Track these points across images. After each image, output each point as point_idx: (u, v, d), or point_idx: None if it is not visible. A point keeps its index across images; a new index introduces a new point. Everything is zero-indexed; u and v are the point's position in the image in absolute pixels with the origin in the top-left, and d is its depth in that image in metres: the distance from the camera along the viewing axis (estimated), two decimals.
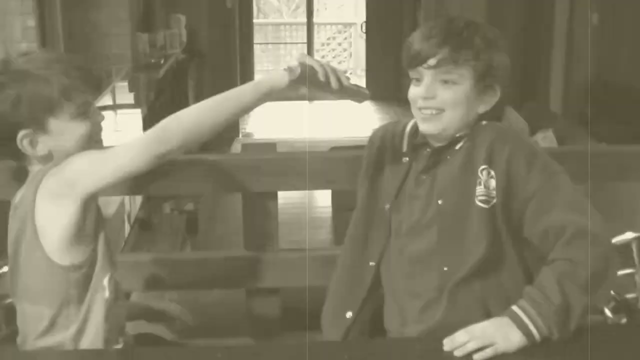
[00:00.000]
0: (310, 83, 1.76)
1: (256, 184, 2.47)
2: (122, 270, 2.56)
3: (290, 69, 1.75)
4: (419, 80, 1.91)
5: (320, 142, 7.57)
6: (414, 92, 1.92)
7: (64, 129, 1.80)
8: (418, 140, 2.01)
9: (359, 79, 11.79)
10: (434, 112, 1.90)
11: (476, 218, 1.89)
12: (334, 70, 1.79)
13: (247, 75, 10.37)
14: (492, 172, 1.88)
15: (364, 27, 11.26)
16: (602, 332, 2.01)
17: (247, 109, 1.83)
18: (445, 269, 1.91)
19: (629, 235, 2.48)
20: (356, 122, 9.88)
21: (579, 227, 1.77)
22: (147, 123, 6.01)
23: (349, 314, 2.04)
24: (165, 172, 2.40)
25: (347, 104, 7.70)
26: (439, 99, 1.89)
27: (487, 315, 1.86)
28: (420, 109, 1.91)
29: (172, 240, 5.34)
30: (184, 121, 1.78)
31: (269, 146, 2.60)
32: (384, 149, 2.07)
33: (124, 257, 2.95)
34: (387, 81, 10.43)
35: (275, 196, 2.54)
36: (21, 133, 1.78)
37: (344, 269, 2.10)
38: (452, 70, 1.88)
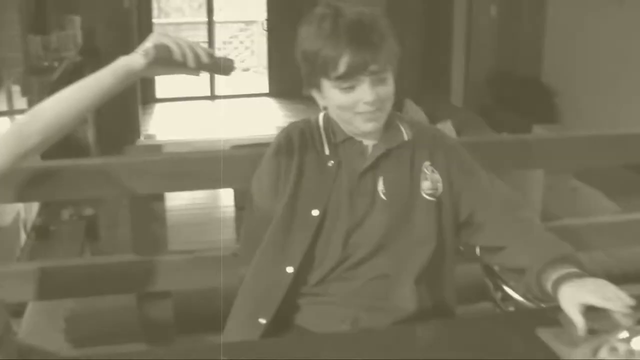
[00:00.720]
0: (167, 62, 1.73)
1: (142, 186, 2.43)
2: (14, 280, 2.52)
3: (145, 51, 1.71)
4: (352, 87, 1.89)
5: (221, 142, 7.51)
6: (348, 98, 1.90)
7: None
8: (339, 139, 2.01)
9: (262, 77, 11.77)
10: (376, 112, 1.93)
11: (424, 211, 1.99)
12: (191, 47, 1.75)
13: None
14: (435, 168, 2.02)
15: (265, 25, 11.22)
16: (493, 320, 2.08)
17: (107, 95, 1.78)
18: (394, 260, 1.97)
19: None
20: (259, 119, 9.87)
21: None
22: None
23: (262, 321, 1.98)
24: (54, 177, 2.36)
25: (250, 102, 7.65)
26: (380, 98, 1.91)
27: (440, 303, 2.02)
28: (361, 112, 1.92)
29: (71, 248, 5.23)
30: (43, 114, 1.73)
31: (155, 148, 2.56)
32: (303, 153, 2.03)
33: (13, 266, 2.88)
34: (289, 78, 10.41)
35: (162, 198, 2.50)
36: None
37: (258, 274, 2.03)
38: (385, 69, 1.91)
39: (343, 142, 2.01)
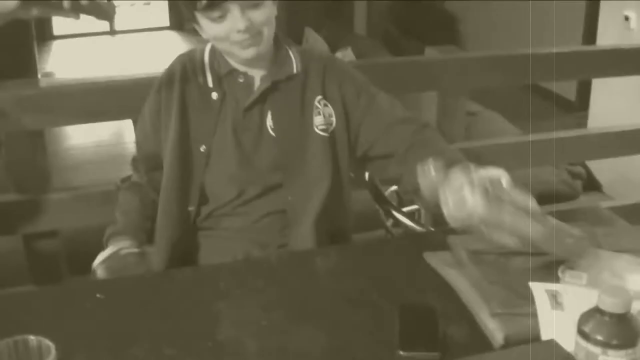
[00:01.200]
0: (42, 3, 1.64)
1: (18, 123, 2.32)
2: None
3: None
4: (222, 16, 1.76)
5: (121, 78, 7.35)
6: (221, 28, 1.78)
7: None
8: (223, 70, 1.90)
9: (162, 11, 11.52)
10: (254, 37, 1.80)
11: (318, 147, 1.90)
12: None
13: None
14: (327, 102, 1.91)
15: None
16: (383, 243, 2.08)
17: None
18: (290, 198, 1.91)
19: None
20: (161, 54, 9.67)
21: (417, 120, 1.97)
22: None
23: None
24: None
25: (151, 36, 7.44)
26: (255, 24, 1.78)
27: (338, 237, 1.98)
28: (237, 41, 1.79)
29: None
30: None
31: (31, 83, 2.45)
32: (184, 86, 1.91)
33: None
34: None
35: (42, 134, 2.40)
36: None
37: (163, 215, 1.96)
38: None
39: (227, 75, 1.90)
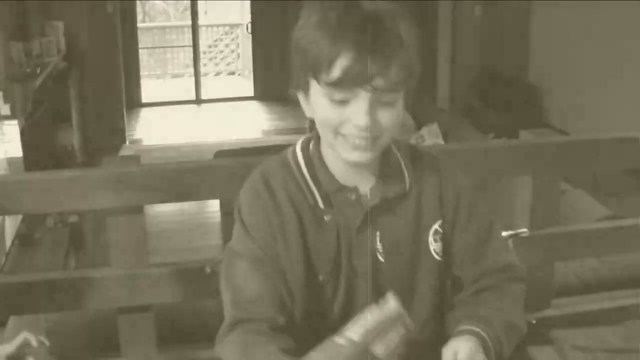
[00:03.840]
0: None
1: (119, 199, 2.37)
2: None
3: None
4: (346, 101, 1.49)
5: (206, 146, 7.48)
6: (338, 114, 1.51)
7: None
8: (331, 188, 1.64)
9: (247, 80, 11.70)
10: (370, 140, 1.53)
11: (430, 270, 1.68)
12: None
13: (132, 80, 10.17)
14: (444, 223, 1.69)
15: (249, 28, 11.16)
16: None
17: None
18: None
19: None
20: (245, 123, 9.82)
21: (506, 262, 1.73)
22: (26, 134, 5.83)
23: None
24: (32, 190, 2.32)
25: (236, 106, 7.56)
26: (379, 125, 1.51)
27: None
28: (351, 136, 1.52)
29: (55, 256, 5.18)
30: None
31: (132, 159, 2.50)
32: (297, 209, 1.64)
33: None
34: (273, 81, 10.41)
35: (141, 210, 2.44)
36: None
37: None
38: (394, 87, 1.50)
39: (337, 191, 1.64)
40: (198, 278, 2.42)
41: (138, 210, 2.44)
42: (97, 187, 2.35)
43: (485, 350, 1.52)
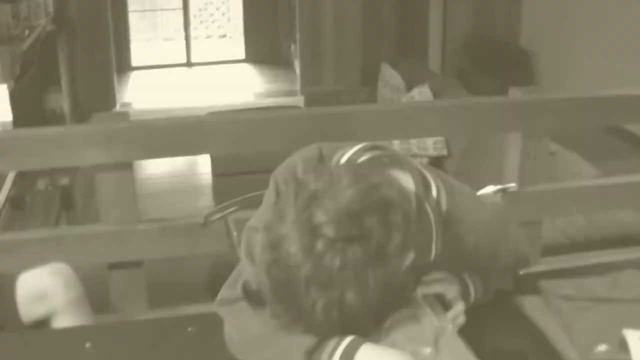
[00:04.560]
0: None
1: (108, 155, 2.37)
2: None
3: None
4: None
5: (198, 109, 7.46)
6: None
7: None
8: None
9: (238, 43, 11.64)
10: None
11: None
12: None
13: (122, 43, 10.12)
14: None
15: None
16: None
17: None
18: None
19: (490, 188, 2.50)
20: (236, 86, 9.79)
21: None
22: (16, 97, 5.79)
23: None
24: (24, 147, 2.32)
25: (227, 69, 7.47)
26: None
27: None
28: None
29: (47, 218, 5.17)
30: None
31: (122, 115, 2.50)
32: None
33: None
34: (264, 44, 10.38)
35: (131, 166, 2.44)
36: None
37: None
38: None
39: None
40: (189, 233, 2.43)
41: (127, 166, 2.45)
42: (86, 143, 2.36)
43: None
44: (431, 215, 1.48)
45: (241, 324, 1.56)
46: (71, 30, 8.14)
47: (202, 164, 6.54)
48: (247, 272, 1.58)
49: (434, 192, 1.49)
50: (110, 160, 2.38)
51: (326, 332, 1.41)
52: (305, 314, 1.33)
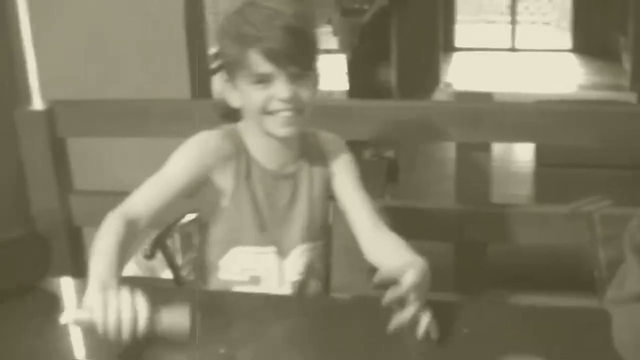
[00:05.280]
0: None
1: (472, 134, 2.39)
2: None
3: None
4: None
5: (523, 96, 7.35)
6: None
7: (245, 91, 1.77)
8: None
9: (562, 32, 11.34)
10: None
11: None
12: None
13: (448, 24, 10.20)
14: None
15: None
16: None
17: None
18: None
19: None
20: (560, 76, 9.56)
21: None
22: (352, 68, 6.01)
23: None
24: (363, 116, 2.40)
25: (550, 57, 7.26)
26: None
27: None
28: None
29: (371, 187, 5.30)
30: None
31: (485, 96, 2.51)
32: None
33: None
34: (594, 34, 10.00)
35: (489, 148, 2.45)
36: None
37: None
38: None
39: None
40: (545, 221, 2.41)
41: (485, 147, 2.46)
42: (452, 121, 2.39)
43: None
44: None
45: (636, 326, 1.53)
46: (403, 7, 8.30)
47: (520, 151, 6.45)
48: (634, 272, 1.54)
49: None
50: (474, 140, 2.40)
51: None
52: None
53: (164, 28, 3.05)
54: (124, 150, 3.08)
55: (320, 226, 1.93)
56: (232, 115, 1.86)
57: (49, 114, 2.84)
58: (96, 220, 1.61)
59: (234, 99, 1.82)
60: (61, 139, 2.91)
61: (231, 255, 1.87)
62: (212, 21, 5.98)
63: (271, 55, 1.69)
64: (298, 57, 1.72)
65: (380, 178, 5.49)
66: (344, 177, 1.92)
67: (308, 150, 1.91)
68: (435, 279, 2.49)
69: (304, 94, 1.74)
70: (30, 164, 2.90)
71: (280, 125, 1.75)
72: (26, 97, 3.07)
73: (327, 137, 1.96)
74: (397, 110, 2.49)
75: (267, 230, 1.86)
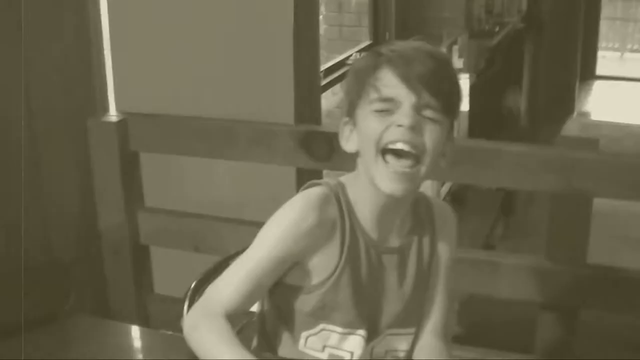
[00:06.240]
0: None
1: (569, 185, 2.10)
2: None
3: None
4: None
5: None
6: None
7: (363, 123, 1.49)
8: None
9: None
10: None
11: None
12: None
13: (589, 51, 9.72)
14: None
15: None
16: None
17: None
18: None
19: None
20: None
21: None
22: (474, 90, 5.76)
23: None
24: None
25: None
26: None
27: None
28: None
29: (484, 219, 5.07)
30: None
31: (591, 143, 2.19)
32: None
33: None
34: None
35: (590, 203, 2.14)
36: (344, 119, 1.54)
37: None
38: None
39: None
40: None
41: (585, 200, 2.16)
42: (542, 168, 2.12)
43: None
44: None
45: None
46: (540, 31, 7.96)
47: None
48: None
49: None
50: (567, 190, 2.11)
51: None
52: None
53: (264, 39, 2.79)
54: (199, 170, 2.91)
55: (417, 312, 1.64)
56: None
57: (122, 126, 2.71)
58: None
59: (351, 142, 1.54)
60: (134, 152, 2.78)
61: (317, 330, 1.59)
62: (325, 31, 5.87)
63: (405, 74, 1.43)
64: (434, 85, 1.44)
65: (493, 210, 5.24)
66: (441, 261, 1.64)
67: (420, 221, 1.61)
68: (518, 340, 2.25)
69: (429, 139, 1.44)
70: (100, 176, 2.77)
71: (390, 178, 1.46)
72: (103, 108, 2.95)
73: (442, 208, 1.67)
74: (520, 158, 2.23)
75: (363, 313, 1.57)
